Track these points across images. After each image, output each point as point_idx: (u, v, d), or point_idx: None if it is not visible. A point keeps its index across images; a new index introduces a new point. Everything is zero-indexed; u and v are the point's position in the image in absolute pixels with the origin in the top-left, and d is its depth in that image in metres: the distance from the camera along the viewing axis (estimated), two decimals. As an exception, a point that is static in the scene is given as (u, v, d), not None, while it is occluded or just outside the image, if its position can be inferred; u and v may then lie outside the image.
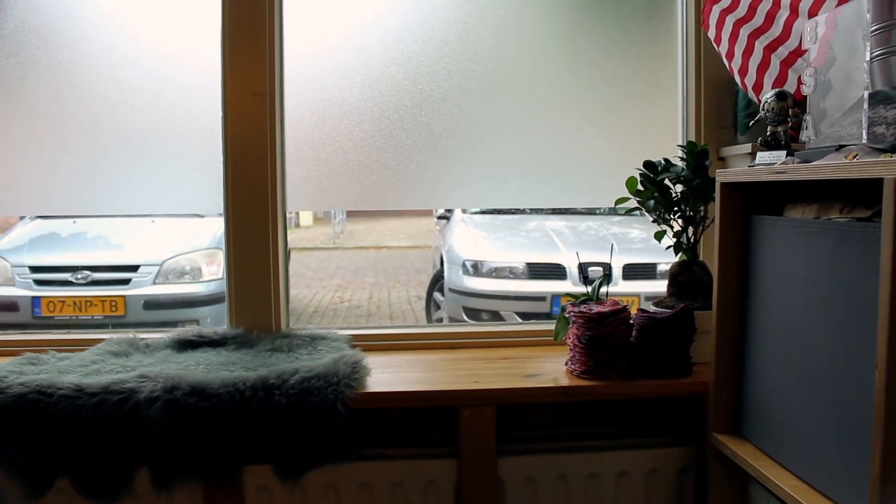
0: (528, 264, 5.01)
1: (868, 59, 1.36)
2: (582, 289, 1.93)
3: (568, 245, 5.23)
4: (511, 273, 5.01)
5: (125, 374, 1.71)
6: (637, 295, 4.72)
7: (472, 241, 5.42)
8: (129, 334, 2.05)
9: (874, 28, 1.34)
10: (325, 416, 1.62)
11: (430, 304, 5.79)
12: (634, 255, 4.93)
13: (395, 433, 1.86)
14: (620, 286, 4.79)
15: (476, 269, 5.07)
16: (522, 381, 1.78)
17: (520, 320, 4.79)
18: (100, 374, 1.75)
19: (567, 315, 1.82)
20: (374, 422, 1.82)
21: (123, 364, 1.84)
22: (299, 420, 1.62)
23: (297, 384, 1.64)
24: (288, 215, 2.20)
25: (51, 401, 1.59)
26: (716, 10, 1.94)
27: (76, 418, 1.58)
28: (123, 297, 4.67)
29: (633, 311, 1.84)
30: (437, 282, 5.74)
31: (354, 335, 2.10)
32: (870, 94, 1.30)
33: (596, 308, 1.77)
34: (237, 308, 2.11)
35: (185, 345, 2.02)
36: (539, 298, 4.89)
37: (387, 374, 1.86)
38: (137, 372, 1.70)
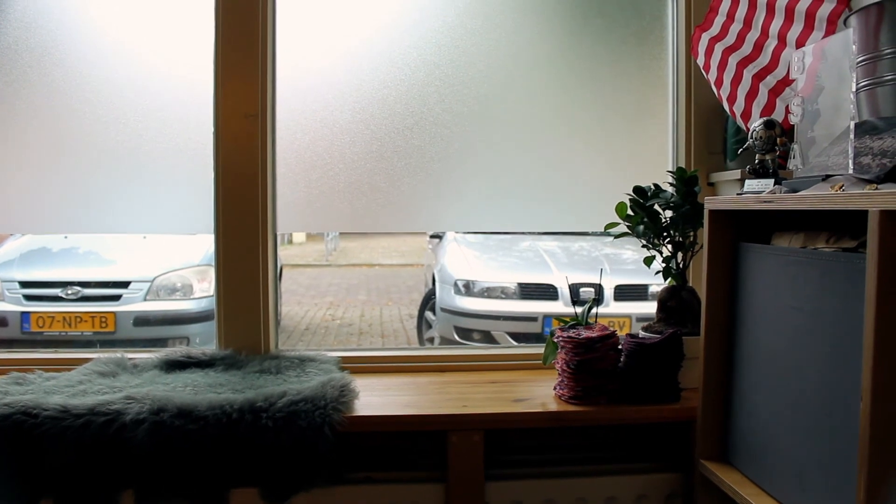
0: (520, 284, 5.01)
1: (854, 89, 1.38)
2: (574, 310, 1.93)
3: (560, 266, 5.23)
4: (503, 293, 5.01)
5: (112, 395, 1.70)
6: (628, 316, 4.72)
7: (465, 260, 5.42)
8: (117, 354, 2.05)
9: (860, 59, 1.36)
10: (312, 440, 1.61)
11: (422, 324, 5.78)
12: (626, 277, 4.94)
13: (383, 456, 1.85)
14: (612, 307, 4.79)
15: (468, 288, 5.07)
16: (511, 405, 1.78)
17: (511, 340, 4.78)
18: (86, 394, 1.74)
19: (556, 340, 1.82)
20: (362, 445, 1.81)
21: (110, 385, 1.83)
22: (286, 443, 1.61)
23: (284, 407, 1.63)
24: (280, 233, 2.20)
25: (36, 422, 1.58)
26: (705, 38, 1.96)
27: (61, 440, 1.57)
28: (114, 313, 4.64)
29: (625, 332, 1.84)
30: (428, 301, 5.73)
31: (344, 357, 2.10)
32: (856, 125, 1.31)
33: (584, 333, 1.77)
34: (226, 329, 2.10)
35: (173, 365, 2.01)
36: (530, 319, 4.89)
37: (375, 397, 1.85)
38: (124, 393, 1.68)
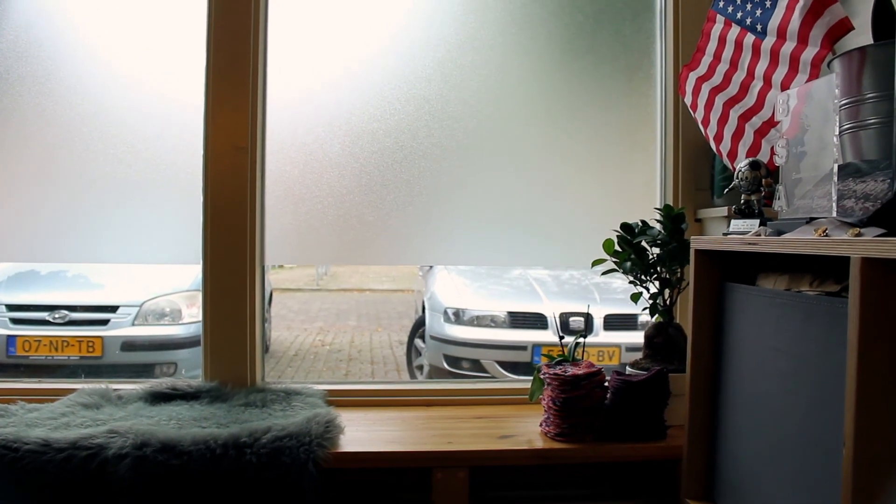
0: (510, 313, 5.00)
1: (837, 132, 1.39)
2: (560, 343, 1.93)
3: (550, 294, 5.23)
4: (492, 322, 4.99)
5: (95, 428, 1.69)
6: (618, 345, 4.71)
7: (455, 288, 5.42)
8: (102, 385, 2.03)
9: (843, 103, 1.37)
10: (297, 476, 1.60)
11: (411, 351, 5.76)
12: (616, 306, 4.93)
13: (368, 492, 1.84)
14: (601, 336, 4.78)
15: (457, 316, 5.05)
16: (496, 442, 1.77)
17: (500, 369, 4.77)
18: (69, 427, 1.73)
19: (542, 376, 1.82)
20: (347, 481, 1.80)
21: (94, 417, 1.81)
22: (270, 480, 1.59)
23: (268, 443, 1.62)
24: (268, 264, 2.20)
25: (16, 456, 1.56)
26: (692, 77, 1.98)
27: (42, 474, 1.55)
28: (101, 337, 4.59)
29: (615, 361, 1.84)
30: (418, 328, 5.71)
31: (330, 390, 2.10)
32: (839, 167, 1.33)
33: (571, 370, 1.77)
34: (212, 361, 2.09)
35: (158, 397, 2.00)
36: (520, 348, 4.87)
37: (361, 433, 1.84)
38: (107, 427, 1.67)
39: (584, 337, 1.93)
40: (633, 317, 4.86)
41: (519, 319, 4.98)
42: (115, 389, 2.03)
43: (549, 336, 4.78)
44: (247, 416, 1.85)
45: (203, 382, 2.07)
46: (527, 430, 1.87)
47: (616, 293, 5.29)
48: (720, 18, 1.91)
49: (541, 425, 1.85)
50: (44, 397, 1.98)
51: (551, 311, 4.88)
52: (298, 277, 14.09)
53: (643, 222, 1.97)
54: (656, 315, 1.99)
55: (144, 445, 1.59)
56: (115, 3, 2.15)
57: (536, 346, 4.78)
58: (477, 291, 5.46)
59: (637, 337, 4.63)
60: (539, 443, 1.77)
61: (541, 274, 5.64)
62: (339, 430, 1.77)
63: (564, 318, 4.65)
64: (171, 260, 2.16)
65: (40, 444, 1.58)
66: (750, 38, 1.79)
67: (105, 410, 1.89)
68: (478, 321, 5.02)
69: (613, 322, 4.84)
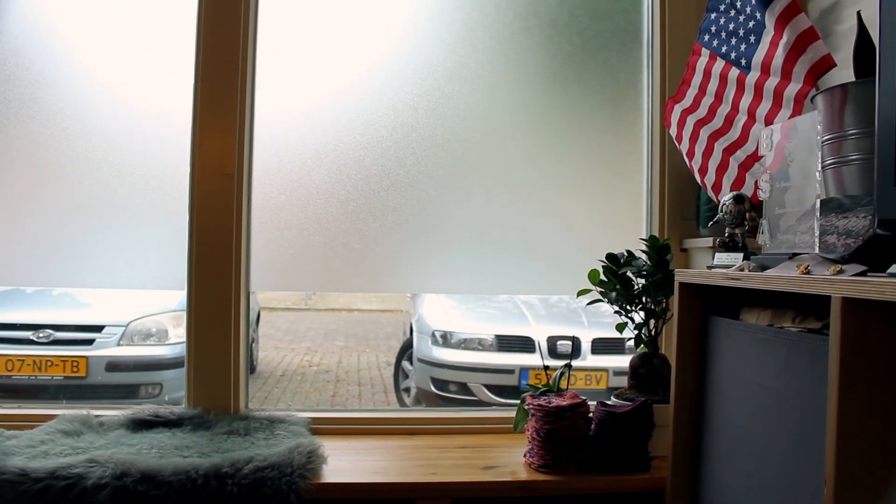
0: (498, 336, 5.00)
1: (820, 167, 1.40)
2: (550, 362, 1.92)
3: (538, 318, 5.23)
4: (480, 345, 4.99)
5: (74, 457, 1.67)
6: (605, 369, 4.70)
7: (442, 311, 5.41)
8: (83, 412, 2.01)
9: (826, 138, 1.38)
10: (278, 508, 1.59)
11: (399, 373, 5.74)
12: (604, 330, 4.93)
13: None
14: (589, 360, 4.78)
15: (445, 339, 5.04)
16: (480, 473, 1.76)
17: (488, 392, 4.76)
18: (48, 455, 1.71)
19: (526, 407, 1.81)
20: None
21: (74, 445, 1.79)
22: (251, 511, 1.58)
23: (250, 473, 1.61)
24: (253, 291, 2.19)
25: (-7, 486, 1.54)
26: (677, 110, 1.99)
27: (19, 505, 1.53)
28: (86, 357, 4.55)
29: (603, 385, 1.84)
30: (405, 350, 5.70)
31: (314, 418, 2.08)
32: (822, 202, 1.33)
33: (555, 401, 1.77)
34: (196, 387, 2.08)
35: (140, 425, 1.98)
36: (507, 371, 4.86)
37: (344, 462, 1.83)
38: (87, 456, 1.65)
39: (570, 367, 1.93)
40: (621, 341, 4.85)
41: (506, 343, 4.97)
42: (97, 416, 2.01)
43: (536, 359, 4.78)
44: (229, 444, 1.83)
45: (186, 409, 2.05)
46: (511, 460, 1.86)
47: (604, 317, 5.28)
48: (705, 52, 1.93)
49: (525, 456, 1.84)
50: (24, 423, 1.96)
51: (539, 334, 4.88)
52: (287, 297, 14.02)
53: (629, 252, 1.98)
54: (641, 345, 1.99)
55: (124, 475, 1.57)
56: (104, 28, 2.15)
57: (524, 370, 4.77)
58: (465, 314, 5.45)
59: (625, 361, 4.63)
60: (523, 474, 1.76)
61: (529, 297, 5.64)
62: (321, 461, 1.75)
63: (552, 342, 4.64)
64: (157, 285, 2.15)
65: (17, 473, 1.56)
66: (735, 73, 1.81)
67: (86, 438, 1.86)
68: (465, 344, 5.01)
69: (601, 346, 4.84)
